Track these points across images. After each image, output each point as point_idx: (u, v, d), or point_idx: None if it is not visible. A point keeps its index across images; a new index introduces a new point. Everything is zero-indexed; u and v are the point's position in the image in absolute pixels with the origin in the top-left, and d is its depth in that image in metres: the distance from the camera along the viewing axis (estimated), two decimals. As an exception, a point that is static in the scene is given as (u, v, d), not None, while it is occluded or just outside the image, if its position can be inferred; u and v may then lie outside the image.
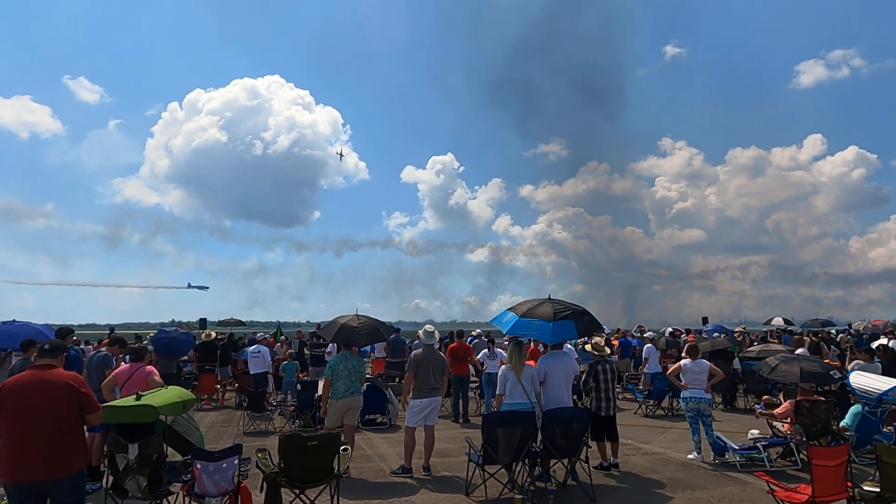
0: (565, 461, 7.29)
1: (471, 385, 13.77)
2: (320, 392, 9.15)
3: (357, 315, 8.99)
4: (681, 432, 10.31)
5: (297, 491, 5.93)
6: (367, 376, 13.29)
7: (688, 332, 20.37)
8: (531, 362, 8.63)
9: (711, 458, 8.65)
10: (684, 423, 9.34)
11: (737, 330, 21.98)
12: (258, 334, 19.61)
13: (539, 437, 7.14)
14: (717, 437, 8.61)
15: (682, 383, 8.98)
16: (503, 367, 7.80)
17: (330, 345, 14.41)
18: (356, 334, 8.59)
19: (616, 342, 19.57)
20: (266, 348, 14.94)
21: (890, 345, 14.39)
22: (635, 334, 21.26)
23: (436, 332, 9.07)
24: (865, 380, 8.44)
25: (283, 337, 21.41)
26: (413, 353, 8.56)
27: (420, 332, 8.87)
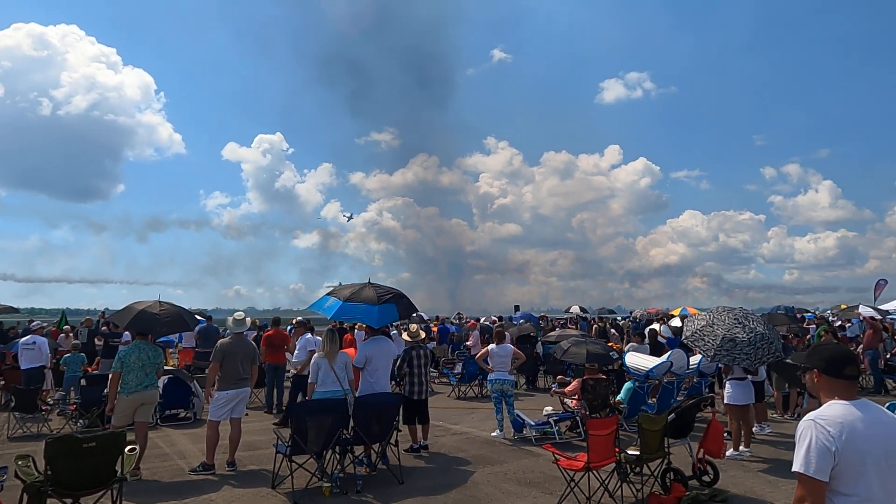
0: (376, 446, 7.39)
1: (288, 375, 13.33)
2: (111, 387, 8.13)
3: (159, 301, 8.14)
4: (488, 412, 11.03)
5: (67, 501, 5.19)
6: (169, 368, 12.21)
7: (499, 318, 21.88)
8: (349, 350, 8.60)
9: (512, 435, 9.39)
10: (491, 404, 10.00)
11: (540, 317, 24.19)
12: (33, 323, 16.86)
13: (351, 423, 7.12)
14: (518, 415, 9.37)
15: (489, 366, 9.60)
16: (316, 355, 7.64)
17: (125, 334, 12.91)
18: (156, 322, 7.77)
19: (435, 328, 20.36)
20: (43, 339, 12.87)
21: (660, 329, 16.88)
22: (454, 321, 22.34)
23: (247, 319, 8.59)
24: (636, 359, 9.79)
25: (67, 326, 18.72)
26: (219, 341, 7.99)
27: (229, 319, 8.31)
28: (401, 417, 8.04)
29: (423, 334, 9.35)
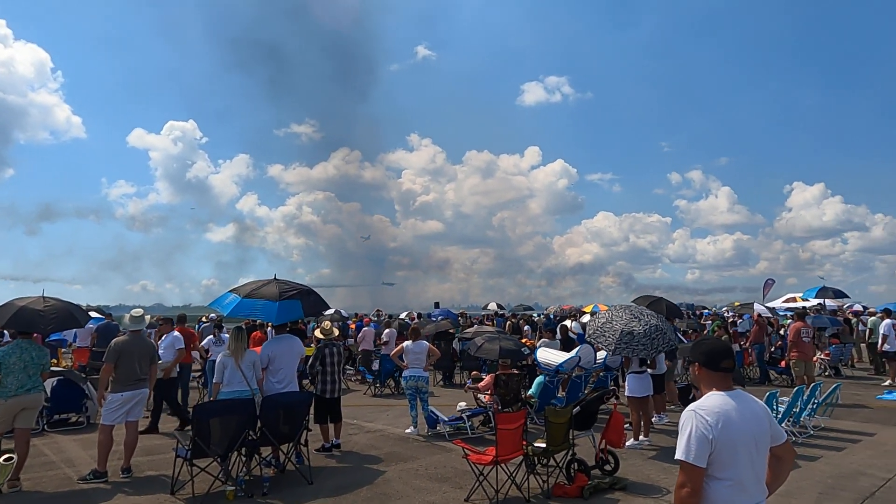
0: (285, 447, 7.19)
1: (194, 374, 12.72)
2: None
3: (43, 297, 7.49)
4: (403, 409, 11.01)
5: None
6: (58, 369, 11.30)
7: (419, 315, 21.92)
8: (256, 348, 8.28)
9: (426, 431, 9.43)
10: (406, 400, 9.99)
11: (460, 314, 24.46)
12: None
13: (259, 424, 6.88)
14: (431, 412, 9.42)
15: (404, 363, 9.58)
16: (221, 353, 7.32)
17: (4, 333, 11.83)
18: (40, 319, 7.14)
19: (353, 325, 20.11)
20: None
21: (571, 325, 17.52)
22: (373, 318, 22.14)
23: (146, 316, 8.10)
24: (547, 354, 10.10)
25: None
26: (114, 340, 7.47)
27: (126, 316, 7.80)
28: (312, 416, 7.86)
29: (336, 332, 9.19)
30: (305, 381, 10.44)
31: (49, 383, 9.56)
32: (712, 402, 2.80)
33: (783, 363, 14.75)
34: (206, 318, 18.80)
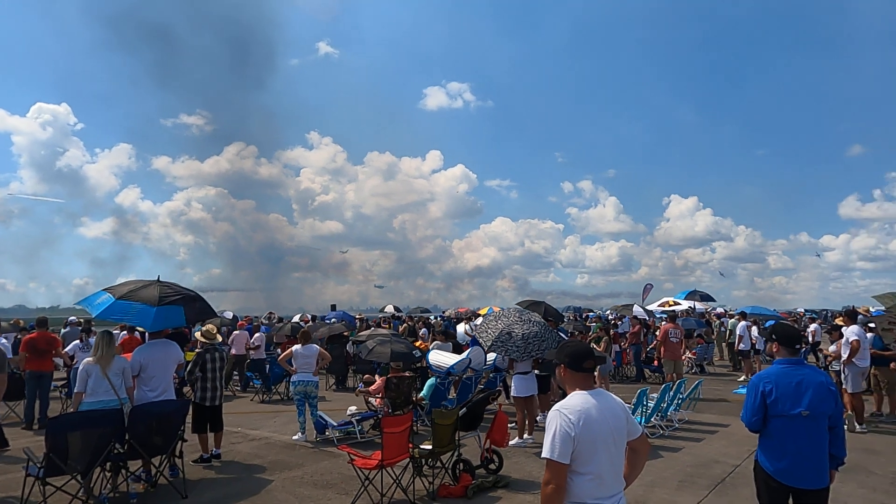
0: (157, 459, 6.72)
1: (56, 384, 11.57)
2: None
3: None
4: (292, 415, 10.66)
5: None
6: None
7: (313, 318, 21.40)
8: (129, 355, 7.69)
9: (314, 437, 9.20)
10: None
11: (357, 317, 24.17)
12: None
13: (126, 436, 6.37)
14: (320, 416, 9.21)
15: (293, 368, 9.31)
16: (85, 360, 6.71)
17: None
18: None
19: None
20: None
21: (465, 328, 17.86)
22: (264, 321, 21.31)
23: (-2, 321, 7.26)
24: (439, 357, 10.23)
25: None
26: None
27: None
28: (186, 427, 7.40)
29: (220, 338, 8.73)
30: (187, 389, 9.83)
31: None
32: (575, 401, 2.96)
33: (656, 362, 15.98)
34: (71, 320, 17.17)
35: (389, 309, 27.99)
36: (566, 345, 3.22)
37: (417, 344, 13.74)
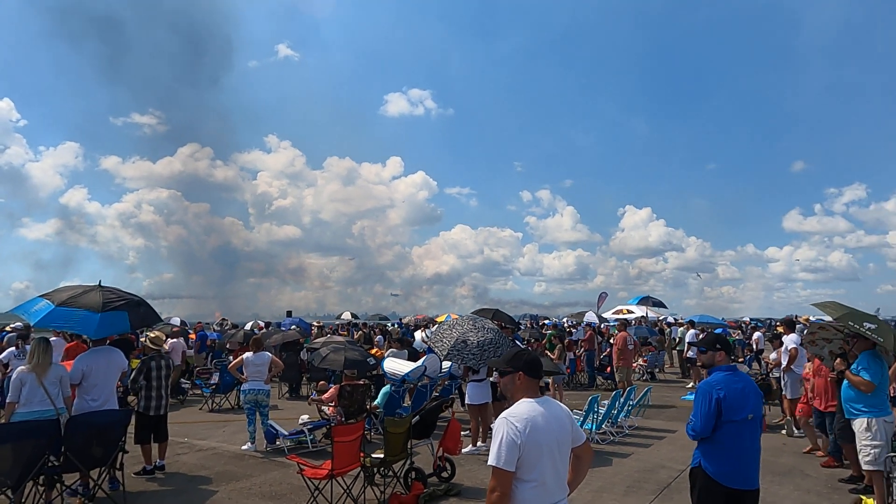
0: (96, 472, 6.44)
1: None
2: None
3: None
4: (242, 424, 10.40)
5: None
6: None
7: (267, 325, 21.00)
8: (68, 363, 7.37)
9: (264, 447, 9.00)
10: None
11: (314, 323, 23.84)
12: None
13: (63, 448, 6.08)
14: (271, 426, 9.01)
15: (244, 376, 9.09)
16: (19, 368, 6.39)
17: None
18: None
19: (194, 335, 18.72)
20: None
21: (423, 335, 17.84)
22: (215, 327, 20.79)
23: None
24: (394, 364, 10.16)
25: None
26: None
27: None
28: (127, 438, 7.13)
29: (166, 346, 8.46)
30: (132, 398, 9.47)
31: None
32: (522, 409, 2.99)
33: (609, 369, 16.31)
34: (11, 326, 16.34)
35: (346, 316, 27.70)
36: (521, 353, 3.25)
37: (373, 351, 13.62)
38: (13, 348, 10.82)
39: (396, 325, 27.03)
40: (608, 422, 9.75)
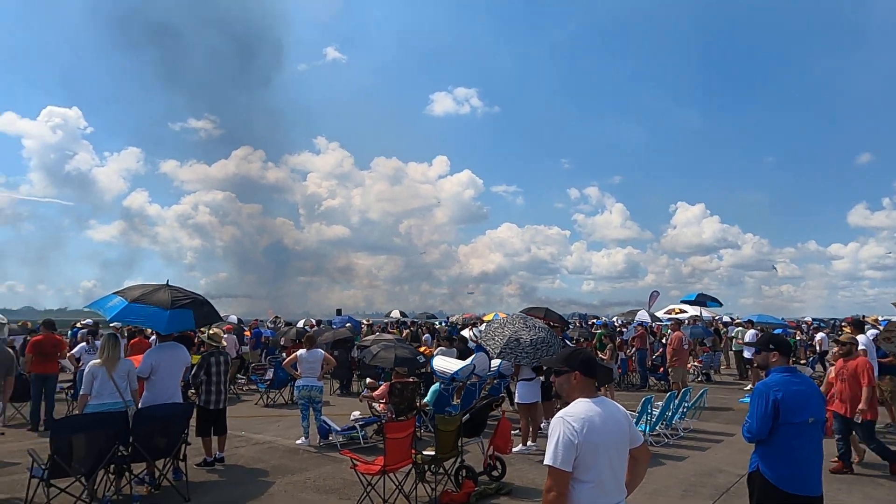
0: (161, 462, 6.74)
1: (62, 386, 11.63)
2: None
3: None
4: (296, 419, 10.67)
5: None
6: None
7: (318, 322, 21.44)
8: (138, 357, 7.74)
9: (318, 442, 9.20)
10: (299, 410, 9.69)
11: (365, 322, 24.21)
12: None
13: (131, 438, 6.40)
14: (324, 421, 9.21)
15: (297, 372, 9.31)
16: (91, 362, 6.75)
17: None
18: None
19: (249, 332, 19.31)
20: None
21: (469, 334, 17.86)
22: (269, 325, 21.38)
23: (6, 323, 7.32)
24: (443, 362, 10.21)
25: None
26: (-37, 348, 6.68)
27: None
28: (194, 429, 7.44)
29: (224, 343, 8.76)
30: (192, 392, 9.87)
31: None
32: (579, 408, 2.95)
33: (661, 369, 15.90)
34: (81, 323, 17.29)
35: (395, 314, 28.02)
36: (577, 353, 3.22)
37: (421, 349, 13.73)
38: (84, 344, 11.45)
39: (444, 324, 27.15)
40: (662, 423, 9.51)
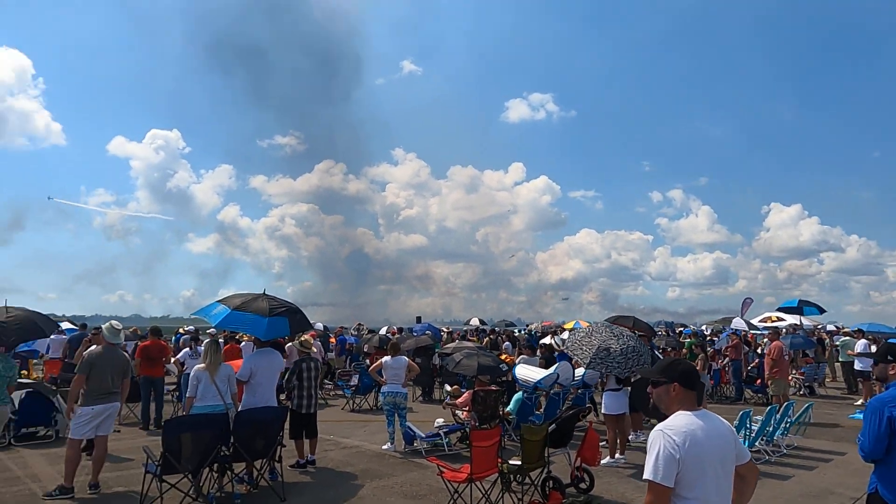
0: (259, 463, 7.10)
1: (169, 388, 12.51)
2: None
3: (6, 307, 7.34)
4: (381, 425, 10.90)
5: None
6: (27, 381, 11.05)
7: (400, 330, 21.84)
8: (236, 362, 8.20)
9: (403, 447, 9.35)
10: (384, 416, 9.90)
11: (444, 329, 24.42)
12: None
13: (231, 439, 6.78)
14: (409, 428, 9.35)
15: (383, 379, 9.52)
16: (196, 367, 7.22)
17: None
18: (3, 331, 7.00)
19: (334, 339, 19.97)
20: None
21: (552, 341, 17.58)
22: (353, 332, 22.01)
23: (122, 330, 7.96)
24: (526, 371, 10.11)
25: None
26: (87, 351, 7.33)
27: (103, 327, 7.64)
28: (287, 432, 7.78)
29: (315, 350, 9.12)
30: (282, 396, 10.33)
31: (17, 395, 9.34)
32: (680, 421, 2.83)
33: (759, 381, 14.94)
34: (184, 329, 18.53)
35: (475, 322, 28.07)
36: (676, 363, 3.10)
37: (502, 357, 13.66)
38: (187, 349, 12.25)
39: (523, 332, 26.89)
40: (762, 439, 8.93)
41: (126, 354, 7.99)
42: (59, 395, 10.36)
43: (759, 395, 14.76)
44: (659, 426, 2.85)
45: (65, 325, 18.12)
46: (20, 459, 8.69)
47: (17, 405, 9.28)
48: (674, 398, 2.95)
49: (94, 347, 7.62)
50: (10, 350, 7.29)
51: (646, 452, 2.86)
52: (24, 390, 9.79)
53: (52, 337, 13.40)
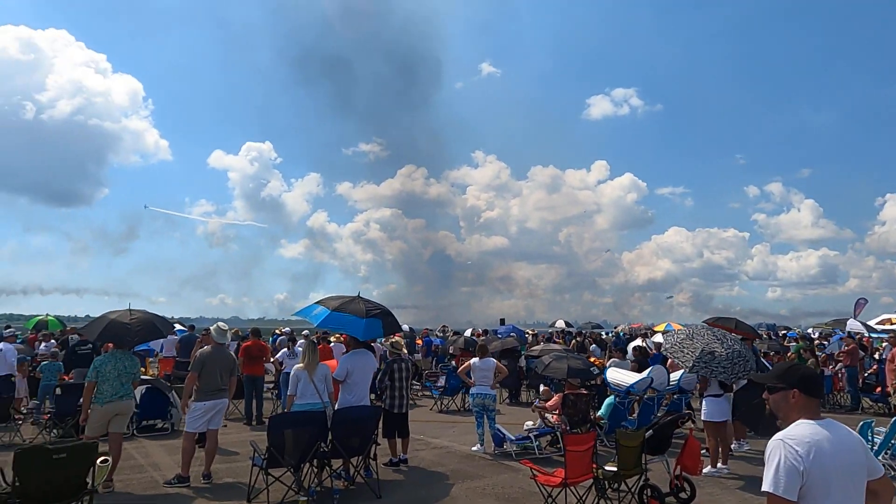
0: (355, 460, 7.34)
1: (268, 386, 13.21)
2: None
3: (130, 310, 8.04)
4: (469, 426, 10.96)
5: (35, 513, 5.08)
6: (148, 377, 12.05)
7: (485, 332, 21.84)
8: (331, 362, 8.53)
9: (492, 449, 9.35)
10: (472, 417, 9.95)
11: (528, 331, 24.18)
12: (7, 329, 16.45)
13: (329, 437, 7.06)
14: (498, 430, 9.33)
15: (471, 380, 9.57)
16: (296, 366, 7.58)
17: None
18: (127, 332, 7.67)
19: (420, 341, 20.30)
20: (9, 346, 12.47)
21: (643, 344, 16.96)
22: (438, 334, 22.27)
23: (229, 330, 8.51)
24: (618, 374, 9.82)
25: (48, 332, 18.28)
26: (199, 351, 7.91)
27: (212, 328, 8.21)
28: (380, 431, 7.99)
29: (405, 350, 9.32)
30: (372, 396, 10.62)
31: (138, 391, 10.20)
32: (802, 431, 2.63)
33: (878, 389, 13.67)
34: (280, 330, 19.52)
35: (560, 324, 27.56)
36: (796, 367, 2.89)
37: (591, 360, 13.33)
38: (285, 349, 12.89)
39: (610, 334, 26.12)
40: (886, 453, 8.15)
41: (233, 354, 8.55)
42: (173, 391, 11.23)
43: (880, 404, 13.50)
44: (778, 435, 2.67)
45: (177, 327, 19.58)
46: (142, 449, 9.48)
47: (138, 400, 10.14)
48: (793, 406, 2.75)
49: (205, 347, 8.19)
50: (130, 349, 7.98)
51: (751, 463, 2.69)
52: (144, 386, 10.69)
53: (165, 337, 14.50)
